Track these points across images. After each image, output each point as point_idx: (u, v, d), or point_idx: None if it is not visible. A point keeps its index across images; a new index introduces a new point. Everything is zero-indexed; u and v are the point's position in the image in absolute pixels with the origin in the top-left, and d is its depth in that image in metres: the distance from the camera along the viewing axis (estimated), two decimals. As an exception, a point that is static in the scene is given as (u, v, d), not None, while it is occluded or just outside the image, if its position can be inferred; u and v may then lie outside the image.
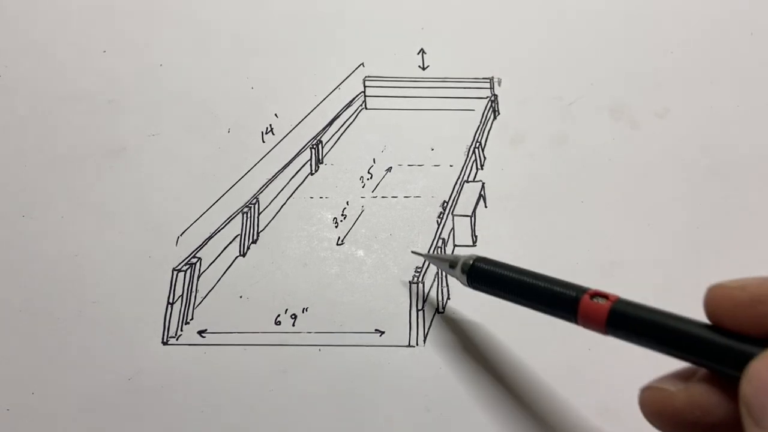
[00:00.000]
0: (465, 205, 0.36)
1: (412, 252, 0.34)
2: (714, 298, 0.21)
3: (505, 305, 0.33)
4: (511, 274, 0.27)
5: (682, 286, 0.34)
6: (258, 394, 0.31)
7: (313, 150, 0.38)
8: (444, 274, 0.34)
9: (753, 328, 0.21)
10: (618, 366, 0.32)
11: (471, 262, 0.29)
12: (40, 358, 0.32)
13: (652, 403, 0.22)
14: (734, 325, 0.21)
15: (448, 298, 0.34)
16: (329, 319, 0.33)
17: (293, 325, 0.33)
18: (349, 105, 0.40)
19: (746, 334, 0.21)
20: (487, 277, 0.28)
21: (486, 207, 0.36)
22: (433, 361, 0.32)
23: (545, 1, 0.43)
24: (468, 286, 0.29)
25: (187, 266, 0.34)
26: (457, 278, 0.30)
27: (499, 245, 0.35)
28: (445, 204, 0.36)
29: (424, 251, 0.35)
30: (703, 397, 0.21)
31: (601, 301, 0.23)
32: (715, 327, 0.21)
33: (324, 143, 0.39)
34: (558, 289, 0.25)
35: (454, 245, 0.35)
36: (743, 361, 0.20)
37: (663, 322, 0.22)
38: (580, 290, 0.24)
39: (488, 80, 0.40)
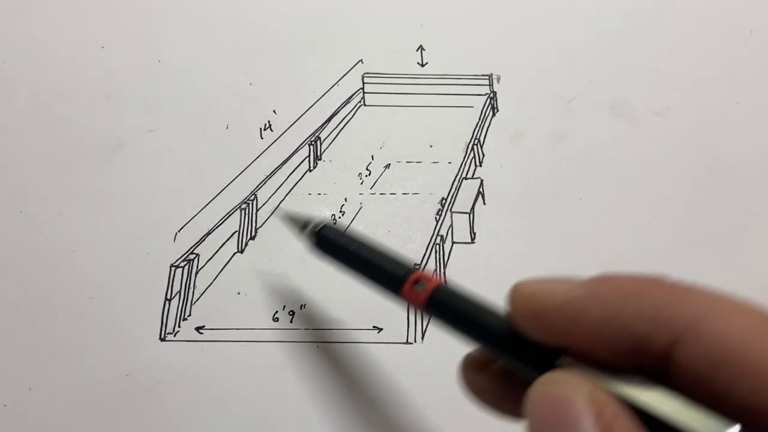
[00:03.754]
0: (463, 202, 0.36)
1: (274, 210, 0.34)
2: (511, 300, 0.20)
3: (500, 305, 0.33)
4: (349, 246, 0.27)
5: (681, 284, 0.34)
6: (256, 390, 0.31)
7: (311, 146, 0.38)
8: (443, 270, 0.34)
9: (538, 336, 0.19)
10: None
11: (319, 228, 0.28)
12: (37, 353, 0.32)
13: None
14: (525, 327, 0.20)
15: (446, 296, 0.34)
16: (327, 315, 0.33)
17: (291, 321, 0.33)
18: (347, 101, 0.40)
19: (542, 343, 0.19)
20: (330, 244, 0.28)
21: (484, 204, 0.36)
22: (431, 358, 0.32)
23: (545, -2, 0.43)
24: (311, 251, 0.29)
25: (185, 262, 0.34)
26: (302, 242, 0.29)
27: (498, 242, 0.35)
28: (444, 201, 0.36)
29: (424, 244, 0.35)
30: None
31: (420, 289, 0.23)
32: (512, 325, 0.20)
33: (322, 140, 0.38)
34: (387, 267, 0.25)
35: (453, 242, 0.35)
36: (533, 374, 0.19)
37: (473, 316, 0.22)
38: (408, 273, 0.24)
39: (487, 77, 0.40)
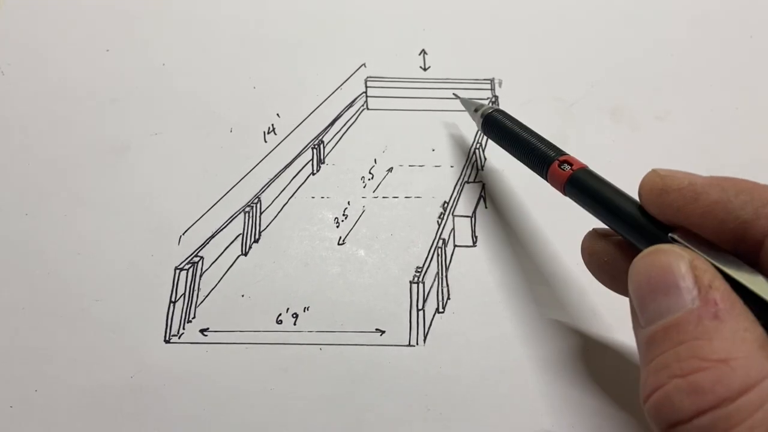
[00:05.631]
0: (465, 205, 0.37)
1: (453, 94, 0.39)
2: (643, 180, 0.24)
3: (502, 308, 0.33)
4: (513, 128, 0.32)
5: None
6: (259, 392, 0.31)
7: (314, 150, 0.38)
8: (444, 273, 0.34)
9: (659, 209, 0.23)
10: (617, 362, 0.32)
11: (490, 111, 0.34)
12: (42, 355, 0.32)
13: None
14: (648, 203, 0.23)
15: (449, 298, 0.34)
16: (330, 318, 0.33)
17: (294, 324, 0.33)
18: (350, 105, 0.40)
19: (659, 220, 0.23)
20: (496, 126, 0.33)
21: (486, 208, 0.37)
22: (433, 361, 0.32)
23: (546, 2, 0.43)
24: (480, 130, 0.35)
25: (190, 265, 0.34)
26: (475, 122, 0.35)
27: (499, 246, 0.35)
28: (446, 204, 0.37)
29: (426, 248, 0.35)
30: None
31: (566, 168, 0.28)
32: (642, 209, 0.24)
33: (326, 143, 0.39)
34: (541, 148, 0.30)
35: (455, 245, 0.35)
36: (645, 245, 0.22)
37: (603, 195, 0.26)
38: (558, 154, 0.29)
39: (489, 81, 0.40)
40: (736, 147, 0.38)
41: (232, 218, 0.36)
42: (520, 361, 0.32)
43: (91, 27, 0.42)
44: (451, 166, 0.38)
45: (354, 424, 0.31)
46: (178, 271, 0.34)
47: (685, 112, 0.39)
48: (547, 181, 0.30)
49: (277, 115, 0.39)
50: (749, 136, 0.38)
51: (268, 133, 0.39)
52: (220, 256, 0.35)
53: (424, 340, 0.33)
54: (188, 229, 0.36)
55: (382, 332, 0.33)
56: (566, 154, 0.29)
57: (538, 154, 0.30)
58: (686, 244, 0.22)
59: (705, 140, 0.38)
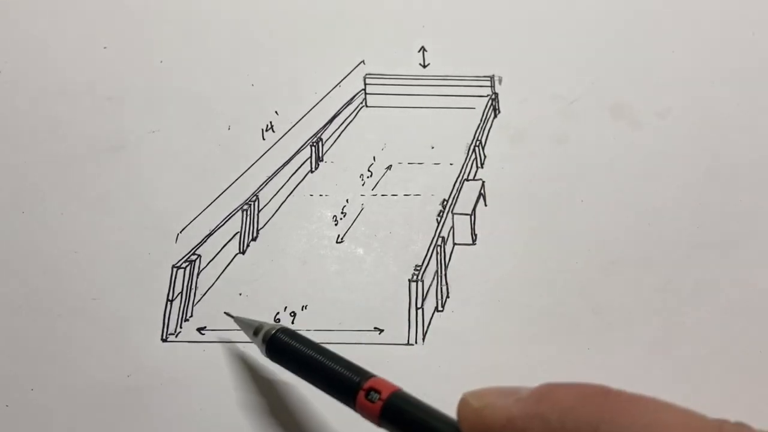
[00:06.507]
0: (465, 203, 0.36)
1: (225, 313, 0.33)
2: (459, 413, 0.21)
3: (501, 306, 0.33)
4: (305, 351, 0.27)
5: (682, 286, 0.34)
6: (257, 390, 0.31)
7: (313, 147, 0.38)
8: (443, 272, 0.34)
9: None
10: (617, 367, 0.32)
11: (273, 332, 0.28)
12: (39, 354, 0.32)
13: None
14: None
15: (448, 297, 0.34)
16: (328, 316, 0.33)
17: (292, 322, 0.33)
18: (349, 103, 0.40)
19: None
20: (284, 350, 0.28)
21: (486, 206, 0.36)
22: (432, 360, 0.32)
23: (547, -1, 0.43)
24: (265, 356, 0.29)
25: (187, 263, 0.34)
26: (257, 346, 0.29)
27: (499, 244, 0.35)
28: (445, 202, 0.36)
29: (425, 246, 0.35)
30: None
31: (374, 398, 0.24)
32: None
33: (324, 141, 0.39)
34: (342, 374, 0.25)
35: (454, 244, 0.35)
36: None
37: (424, 422, 0.23)
38: (362, 380, 0.25)
39: (489, 78, 0.40)
40: (737, 144, 0.38)
41: (229, 216, 0.36)
42: (520, 360, 0.32)
43: (89, 24, 0.41)
44: (451, 164, 0.38)
45: (352, 423, 0.31)
46: (175, 269, 0.34)
47: (686, 109, 0.39)
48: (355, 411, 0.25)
49: (276, 112, 0.39)
50: (750, 133, 0.38)
51: (267, 130, 0.38)
52: (217, 254, 0.35)
53: (423, 339, 0.33)
54: (186, 227, 0.35)
55: (381, 331, 0.33)
56: (373, 376, 0.25)
57: (337, 382, 0.26)
58: None
59: (706, 137, 0.38)
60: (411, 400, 0.24)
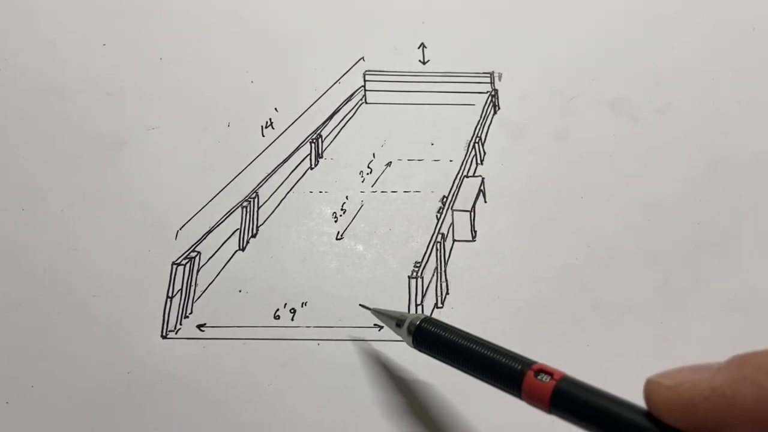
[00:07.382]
0: (464, 200, 0.36)
1: (360, 305, 0.33)
2: (650, 396, 0.20)
3: (501, 303, 0.33)
4: (457, 340, 0.26)
5: (682, 282, 0.34)
6: (257, 388, 0.31)
7: (312, 144, 0.38)
8: (443, 268, 0.34)
9: (689, 428, 0.19)
10: (617, 364, 0.32)
11: (417, 322, 0.28)
12: (39, 351, 0.32)
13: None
14: (671, 422, 0.20)
15: (447, 293, 0.34)
16: (328, 313, 0.33)
17: (292, 319, 0.33)
18: (349, 99, 0.40)
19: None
20: (433, 339, 0.27)
21: (486, 202, 0.36)
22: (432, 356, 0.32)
23: (546, -5, 0.43)
24: (412, 347, 0.28)
25: (187, 260, 0.34)
26: (402, 338, 0.29)
27: (499, 240, 0.35)
28: (445, 199, 0.36)
29: (425, 242, 0.35)
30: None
31: (545, 379, 0.23)
32: (653, 418, 0.20)
33: (324, 138, 0.39)
34: (503, 361, 0.24)
35: (454, 240, 0.35)
36: None
37: (604, 407, 0.21)
38: (526, 365, 0.23)
39: (489, 75, 0.40)
40: (737, 140, 0.38)
41: (229, 213, 0.36)
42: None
43: (88, 21, 0.41)
44: (450, 161, 0.38)
45: (352, 420, 0.31)
46: (175, 266, 0.34)
47: (686, 105, 0.39)
48: (522, 399, 0.24)
49: (275, 109, 0.39)
50: (751, 129, 0.38)
51: (266, 127, 0.38)
52: (217, 251, 0.35)
53: (423, 336, 0.32)
54: (185, 224, 0.35)
55: (381, 327, 0.33)
56: (536, 362, 0.24)
57: (500, 368, 0.24)
58: None
59: (706, 133, 0.38)
60: (585, 385, 0.22)
